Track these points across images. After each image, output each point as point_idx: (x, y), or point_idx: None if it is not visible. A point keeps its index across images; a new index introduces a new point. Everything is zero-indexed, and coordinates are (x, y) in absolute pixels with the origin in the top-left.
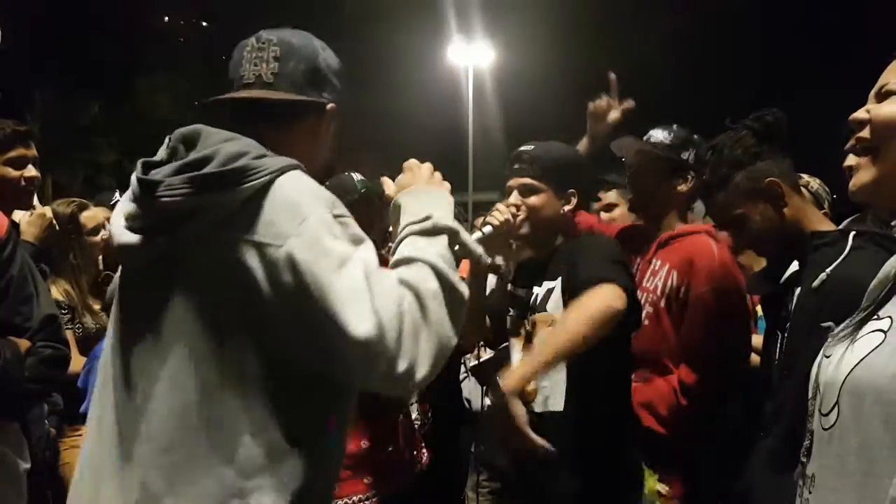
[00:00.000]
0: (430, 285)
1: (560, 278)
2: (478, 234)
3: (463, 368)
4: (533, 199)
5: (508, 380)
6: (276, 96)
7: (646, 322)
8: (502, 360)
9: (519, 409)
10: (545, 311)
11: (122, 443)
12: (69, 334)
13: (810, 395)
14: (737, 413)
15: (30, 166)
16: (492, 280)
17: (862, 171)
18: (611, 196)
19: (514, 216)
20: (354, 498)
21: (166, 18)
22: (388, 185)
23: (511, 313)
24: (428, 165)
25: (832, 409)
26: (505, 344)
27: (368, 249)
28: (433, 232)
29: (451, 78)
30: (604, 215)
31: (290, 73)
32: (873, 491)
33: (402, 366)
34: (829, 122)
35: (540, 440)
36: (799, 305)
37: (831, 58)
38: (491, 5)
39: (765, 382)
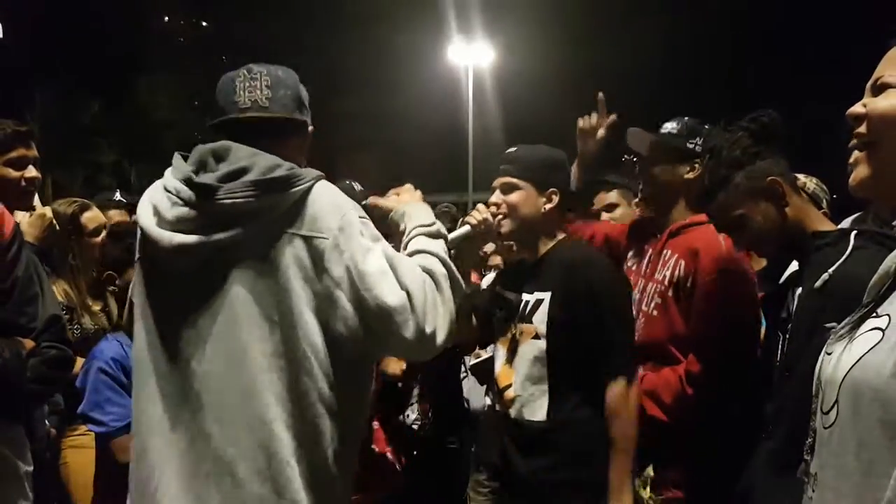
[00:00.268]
0: (441, 269)
1: (551, 293)
2: (456, 234)
3: (463, 368)
4: (513, 197)
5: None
6: (275, 116)
7: (654, 313)
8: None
9: None
10: (531, 322)
11: (183, 423)
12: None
13: (813, 392)
14: (738, 413)
15: (30, 167)
16: (488, 279)
17: (861, 167)
18: (612, 196)
19: (494, 215)
20: None
21: (166, 18)
22: (379, 201)
23: (498, 314)
24: (410, 187)
25: (832, 407)
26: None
27: (385, 243)
28: (437, 235)
29: (451, 78)
30: (605, 215)
31: (280, 99)
32: (872, 491)
33: (428, 329)
34: (828, 122)
35: None
36: (801, 306)
37: (830, 58)
38: (491, 5)
39: (765, 383)
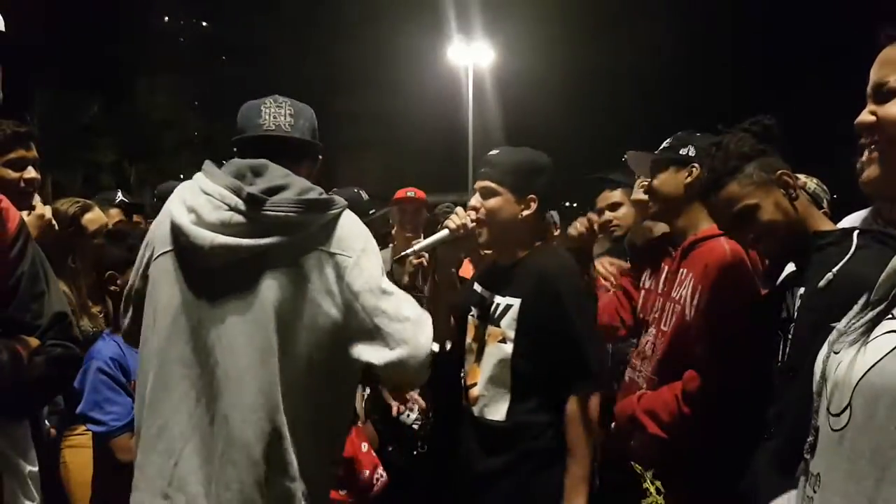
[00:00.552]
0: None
1: (521, 299)
2: (435, 237)
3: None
4: (492, 202)
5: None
6: (295, 138)
7: (671, 332)
8: None
9: None
10: (499, 326)
11: (203, 405)
12: None
13: (815, 390)
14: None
15: (30, 168)
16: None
17: (873, 166)
18: (615, 195)
19: (473, 220)
20: None
21: (166, 19)
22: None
23: (472, 313)
24: None
25: (843, 410)
26: None
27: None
28: None
29: (451, 78)
30: (608, 214)
31: (301, 126)
32: (886, 496)
33: (421, 354)
34: (828, 122)
35: None
36: (804, 306)
37: (829, 58)
38: (491, 5)
39: (765, 383)
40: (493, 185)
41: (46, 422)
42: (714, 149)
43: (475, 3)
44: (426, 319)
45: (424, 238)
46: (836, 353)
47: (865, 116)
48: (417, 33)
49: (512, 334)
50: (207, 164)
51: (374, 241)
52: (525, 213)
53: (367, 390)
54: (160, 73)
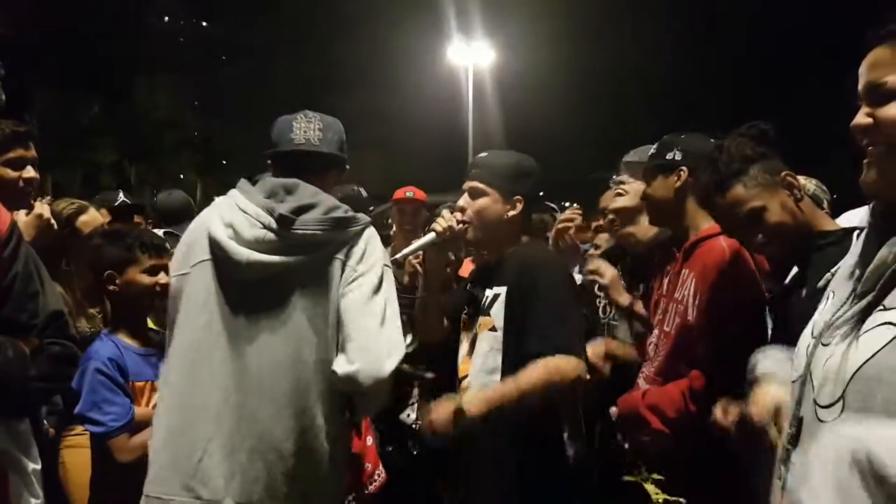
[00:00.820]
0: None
1: (506, 287)
2: (423, 241)
3: None
4: (479, 202)
5: (474, 404)
6: (323, 152)
7: (675, 332)
8: None
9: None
10: (489, 315)
11: (231, 405)
12: None
13: (797, 378)
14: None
15: (28, 167)
16: None
17: (874, 168)
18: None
19: (460, 221)
20: None
21: (166, 18)
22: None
23: (466, 311)
24: None
25: (836, 402)
26: None
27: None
28: None
29: (451, 78)
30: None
31: (329, 140)
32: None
33: (383, 366)
34: (827, 122)
35: None
36: (803, 305)
37: (829, 58)
38: (491, 5)
39: None
40: (481, 185)
41: (45, 421)
42: (717, 152)
43: (475, 2)
44: (396, 348)
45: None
46: (825, 345)
47: (862, 119)
48: (417, 33)
49: (501, 322)
50: (243, 182)
51: (386, 261)
52: (511, 213)
53: None
54: (160, 72)
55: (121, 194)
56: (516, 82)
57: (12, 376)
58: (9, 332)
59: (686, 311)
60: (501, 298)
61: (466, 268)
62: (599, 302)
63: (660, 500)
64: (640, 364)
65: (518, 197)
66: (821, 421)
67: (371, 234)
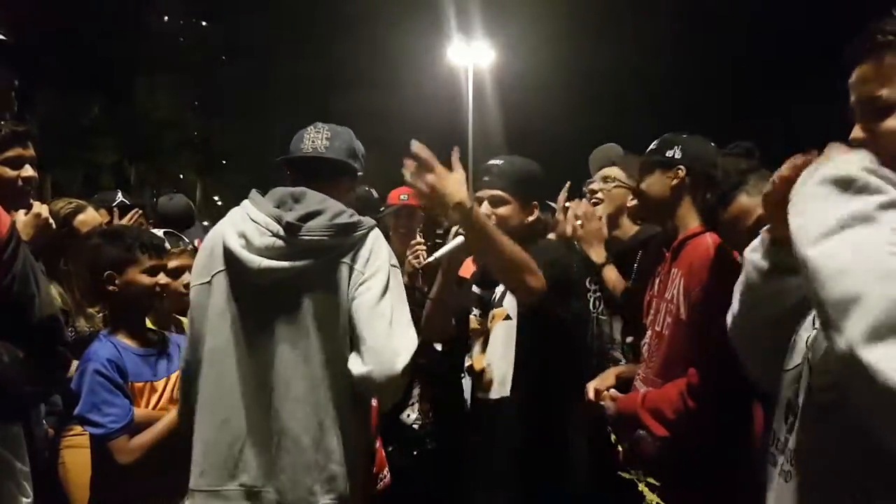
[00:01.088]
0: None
1: None
2: (451, 245)
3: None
4: (502, 210)
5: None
6: (329, 157)
7: (666, 332)
8: None
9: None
10: (502, 306)
11: (258, 401)
12: None
13: (792, 367)
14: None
15: (27, 166)
16: None
17: None
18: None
19: None
20: None
21: (166, 18)
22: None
23: (475, 313)
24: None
25: (832, 388)
26: None
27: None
28: None
29: (451, 78)
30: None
31: (336, 148)
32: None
33: (395, 366)
34: (826, 122)
35: None
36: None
37: (828, 59)
38: (491, 5)
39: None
40: (502, 194)
41: (44, 422)
42: (714, 171)
43: (475, 3)
44: (405, 347)
45: (421, 237)
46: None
47: (859, 133)
48: (417, 33)
49: (514, 311)
50: (254, 193)
51: (392, 261)
52: (530, 219)
53: None
54: (160, 73)
55: (119, 194)
56: (516, 82)
57: (6, 380)
58: (3, 335)
59: (678, 310)
60: None
61: (467, 268)
62: (590, 296)
63: (652, 502)
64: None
65: (535, 203)
66: (818, 407)
67: (376, 237)
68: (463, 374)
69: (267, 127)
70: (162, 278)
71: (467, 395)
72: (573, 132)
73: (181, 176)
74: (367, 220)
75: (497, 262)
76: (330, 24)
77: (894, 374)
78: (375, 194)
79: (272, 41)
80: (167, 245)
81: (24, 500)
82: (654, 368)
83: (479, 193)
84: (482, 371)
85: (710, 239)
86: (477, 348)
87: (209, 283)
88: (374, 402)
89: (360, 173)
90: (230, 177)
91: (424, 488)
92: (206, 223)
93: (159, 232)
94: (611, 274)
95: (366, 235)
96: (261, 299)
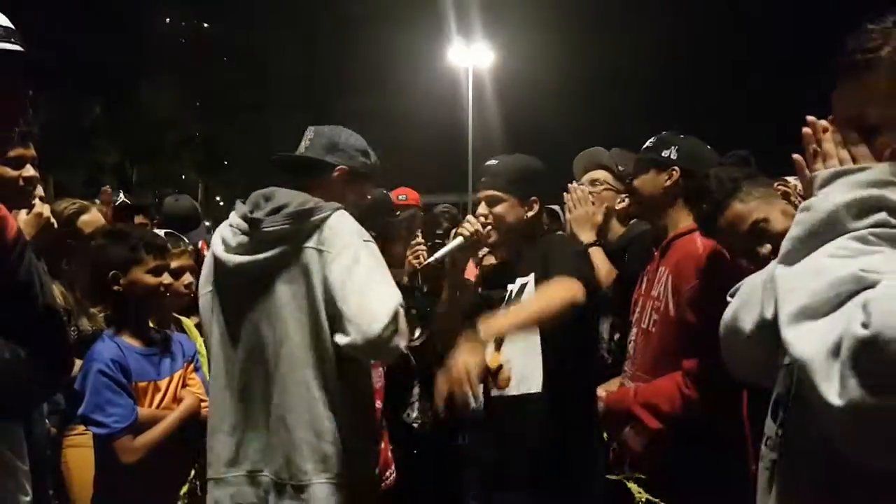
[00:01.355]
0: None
1: (533, 274)
2: (451, 245)
3: None
4: (499, 209)
5: (485, 327)
6: (304, 156)
7: (652, 329)
8: None
9: (472, 359)
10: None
11: (252, 394)
12: None
13: (787, 365)
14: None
15: (28, 166)
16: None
17: None
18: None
19: (483, 225)
20: None
21: (168, 20)
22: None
23: (484, 313)
24: None
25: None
26: None
27: (374, 265)
28: None
29: (452, 79)
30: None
31: (315, 146)
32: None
33: (386, 334)
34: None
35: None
36: None
37: (828, 59)
38: (491, 7)
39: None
40: (497, 193)
41: (47, 421)
42: (708, 182)
43: (475, 4)
44: (381, 309)
45: (422, 238)
46: None
47: (863, 150)
48: (417, 35)
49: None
50: (237, 202)
51: (362, 237)
52: (529, 214)
53: None
54: (161, 73)
55: (121, 194)
56: (516, 84)
57: (10, 378)
58: (7, 334)
59: (666, 307)
60: (530, 286)
61: (470, 270)
62: None
63: (642, 500)
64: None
65: (534, 198)
66: (802, 399)
67: (339, 218)
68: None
69: (267, 127)
70: (166, 278)
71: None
72: (573, 132)
73: (182, 176)
74: (328, 205)
75: (546, 322)
76: (331, 25)
77: (802, 347)
78: (391, 197)
79: (273, 42)
80: (170, 245)
81: (24, 498)
82: (641, 365)
83: (478, 195)
84: (498, 368)
85: (698, 238)
86: (490, 346)
87: (210, 291)
88: (378, 404)
89: (339, 167)
90: (232, 177)
91: (424, 488)
92: (207, 223)
93: (160, 232)
94: (598, 255)
95: (326, 218)
96: (242, 294)
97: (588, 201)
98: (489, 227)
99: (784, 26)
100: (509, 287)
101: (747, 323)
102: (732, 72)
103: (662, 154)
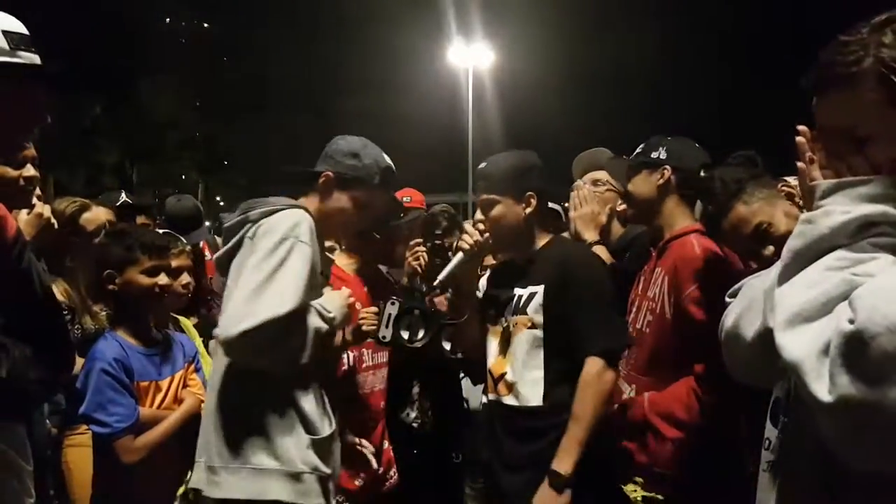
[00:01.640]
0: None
1: (543, 285)
2: (454, 262)
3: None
4: (495, 212)
5: (562, 463)
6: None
7: (646, 330)
8: None
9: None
10: (525, 313)
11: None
12: None
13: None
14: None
15: (28, 166)
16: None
17: None
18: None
19: (482, 232)
20: None
21: (168, 19)
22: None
23: (490, 312)
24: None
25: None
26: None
27: (293, 269)
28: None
29: (452, 79)
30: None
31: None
32: None
33: (232, 329)
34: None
35: None
36: None
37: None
38: (491, 7)
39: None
40: (490, 196)
41: (48, 421)
42: (711, 183)
43: (475, 4)
44: (254, 313)
45: (423, 241)
46: None
47: (859, 161)
48: (417, 35)
49: (540, 319)
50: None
51: (302, 238)
52: (528, 210)
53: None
54: (162, 73)
55: (123, 194)
56: (516, 84)
57: (15, 377)
58: (8, 333)
59: (662, 308)
60: (538, 297)
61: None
62: None
63: (638, 499)
64: None
65: (530, 193)
66: (801, 402)
67: (280, 217)
68: (464, 375)
69: (267, 127)
70: (162, 279)
71: (466, 394)
72: (572, 132)
73: (182, 176)
74: (278, 200)
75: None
76: (331, 25)
77: (794, 350)
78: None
79: (272, 41)
80: (169, 245)
81: (28, 500)
82: (635, 366)
83: (475, 201)
84: (502, 374)
85: (695, 239)
86: (494, 349)
87: None
88: (381, 405)
89: (325, 173)
90: (232, 177)
91: (424, 488)
92: (207, 223)
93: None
94: (601, 254)
95: (271, 214)
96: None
97: (594, 201)
98: (487, 235)
99: (784, 26)
100: (516, 291)
101: (749, 330)
102: (732, 72)
103: (652, 156)
